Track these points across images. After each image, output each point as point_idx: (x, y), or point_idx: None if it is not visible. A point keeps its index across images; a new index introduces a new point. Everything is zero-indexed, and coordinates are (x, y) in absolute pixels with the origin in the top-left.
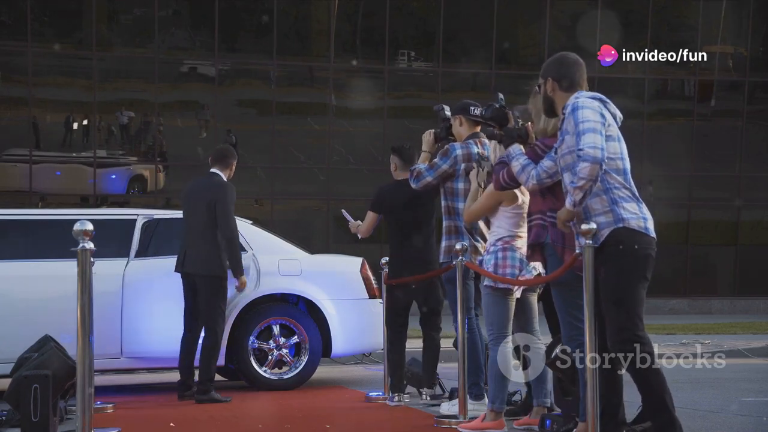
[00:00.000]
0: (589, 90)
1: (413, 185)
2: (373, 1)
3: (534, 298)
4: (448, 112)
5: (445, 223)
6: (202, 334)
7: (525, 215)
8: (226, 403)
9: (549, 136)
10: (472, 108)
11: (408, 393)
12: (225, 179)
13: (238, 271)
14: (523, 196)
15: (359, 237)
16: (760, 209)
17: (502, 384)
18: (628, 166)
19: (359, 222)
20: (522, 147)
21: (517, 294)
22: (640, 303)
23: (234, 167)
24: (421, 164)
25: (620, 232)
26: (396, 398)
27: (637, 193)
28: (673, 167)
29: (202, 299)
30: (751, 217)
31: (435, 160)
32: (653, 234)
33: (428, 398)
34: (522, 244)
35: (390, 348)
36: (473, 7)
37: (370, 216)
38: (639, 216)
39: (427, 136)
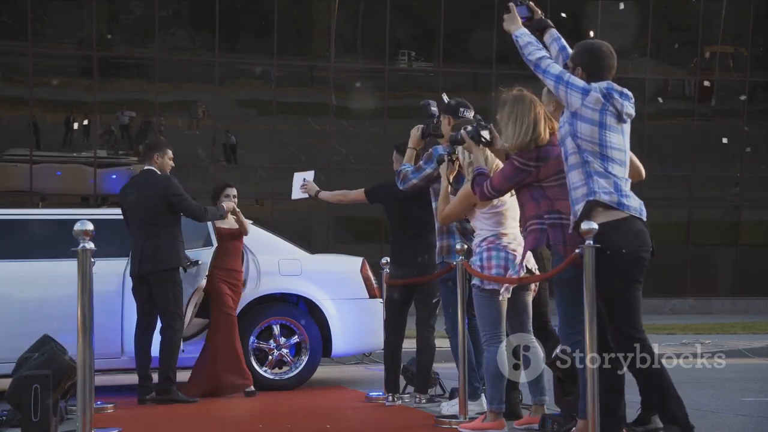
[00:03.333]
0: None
1: (400, 186)
2: (373, 1)
3: (529, 298)
4: (434, 108)
5: (437, 224)
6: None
7: (506, 212)
8: (194, 403)
9: (513, 150)
10: (461, 110)
11: (408, 393)
12: (159, 173)
13: (219, 212)
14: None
15: (317, 198)
16: (760, 209)
17: (499, 385)
18: (611, 154)
19: (318, 189)
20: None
21: (507, 294)
22: (634, 305)
23: (160, 157)
24: (407, 165)
25: (605, 232)
26: (390, 398)
27: (614, 172)
28: (673, 167)
29: (156, 296)
30: (751, 217)
31: (420, 163)
32: (630, 210)
33: (423, 401)
34: (508, 241)
35: (386, 348)
36: (473, 7)
37: (359, 195)
38: (610, 191)
39: (415, 132)
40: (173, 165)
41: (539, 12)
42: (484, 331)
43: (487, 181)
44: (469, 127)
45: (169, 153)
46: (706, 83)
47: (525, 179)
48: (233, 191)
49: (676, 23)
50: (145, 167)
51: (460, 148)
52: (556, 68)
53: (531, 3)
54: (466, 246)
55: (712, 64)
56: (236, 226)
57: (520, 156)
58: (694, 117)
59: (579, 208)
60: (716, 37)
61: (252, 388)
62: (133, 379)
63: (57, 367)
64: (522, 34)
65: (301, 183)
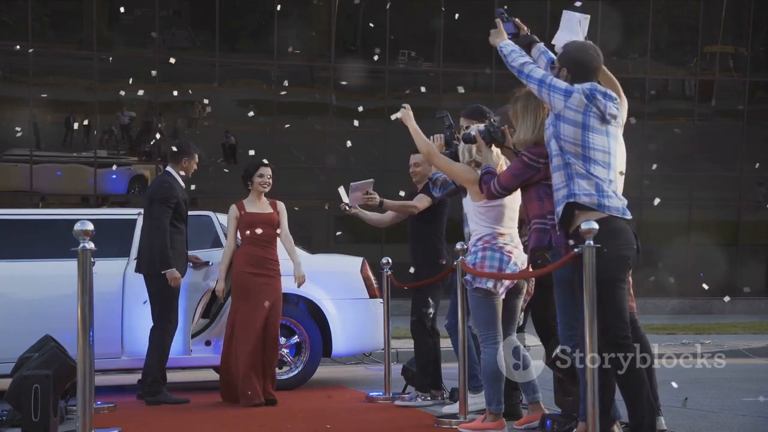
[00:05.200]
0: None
1: (437, 194)
2: (373, 1)
3: (519, 302)
4: (450, 119)
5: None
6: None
7: (505, 210)
8: (185, 403)
9: (530, 144)
10: (488, 114)
11: (408, 392)
12: (176, 176)
13: (161, 264)
14: None
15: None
16: (760, 209)
17: (497, 385)
18: (594, 155)
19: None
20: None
21: (502, 295)
22: (619, 305)
23: (187, 162)
24: (440, 173)
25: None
26: (432, 399)
27: (596, 173)
28: (673, 167)
29: (149, 296)
30: (751, 217)
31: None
32: (610, 211)
33: (444, 399)
34: (504, 242)
35: (425, 349)
36: (473, 7)
37: (425, 200)
38: (590, 192)
39: (439, 141)
40: (196, 168)
41: (525, 28)
42: (479, 330)
43: (495, 180)
44: (482, 127)
45: (196, 158)
46: (706, 83)
47: (533, 176)
48: (268, 171)
49: (676, 23)
50: (166, 168)
51: (460, 148)
52: (539, 72)
53: (517, 20)
54: (466, 246)
55: (712, 64)
56: (264, 210)
57: (531, 152)
58: (694, 117)
59: (560, 209)
60: (716, 37)
61: (261, 400)
62: (133, 379)
63: (57, 367)
64: (506, 44)
65: (363, 191)
